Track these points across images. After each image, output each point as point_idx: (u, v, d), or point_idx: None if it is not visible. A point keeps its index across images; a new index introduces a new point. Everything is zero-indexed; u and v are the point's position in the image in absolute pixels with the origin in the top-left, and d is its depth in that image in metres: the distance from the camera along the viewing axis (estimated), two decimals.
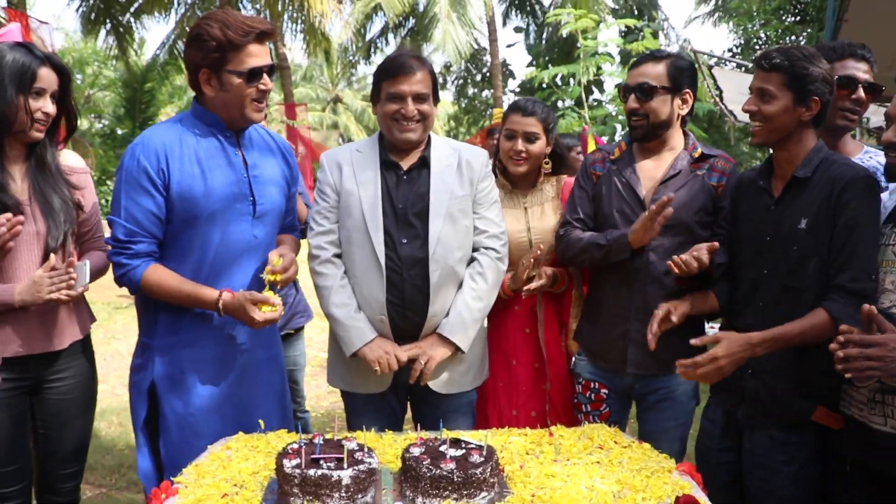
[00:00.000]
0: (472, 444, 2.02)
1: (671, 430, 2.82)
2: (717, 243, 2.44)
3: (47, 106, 2.50)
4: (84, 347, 2.74)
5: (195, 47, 2.48)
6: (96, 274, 2.66)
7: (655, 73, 2.71)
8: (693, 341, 2.32)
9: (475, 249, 2.77)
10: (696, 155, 2.76)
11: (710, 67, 7.61)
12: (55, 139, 2.64)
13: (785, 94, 2.31)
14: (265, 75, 2.51)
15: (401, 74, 2.66)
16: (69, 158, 2.71)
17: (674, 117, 2.75)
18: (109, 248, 2.51)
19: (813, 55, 2.31)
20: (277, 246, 2.71)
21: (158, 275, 2.46)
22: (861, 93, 2.60)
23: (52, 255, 2.45)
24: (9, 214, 2.23)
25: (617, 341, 2.76)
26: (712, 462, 2.56)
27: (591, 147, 7.78)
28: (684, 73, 2.74)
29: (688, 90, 2.75)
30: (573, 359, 2.95)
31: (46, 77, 2.49)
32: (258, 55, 2.48)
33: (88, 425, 2.79)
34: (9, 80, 2.42)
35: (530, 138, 2.98)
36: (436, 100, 2.77)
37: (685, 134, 2.84)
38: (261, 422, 2.40)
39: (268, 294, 2.46)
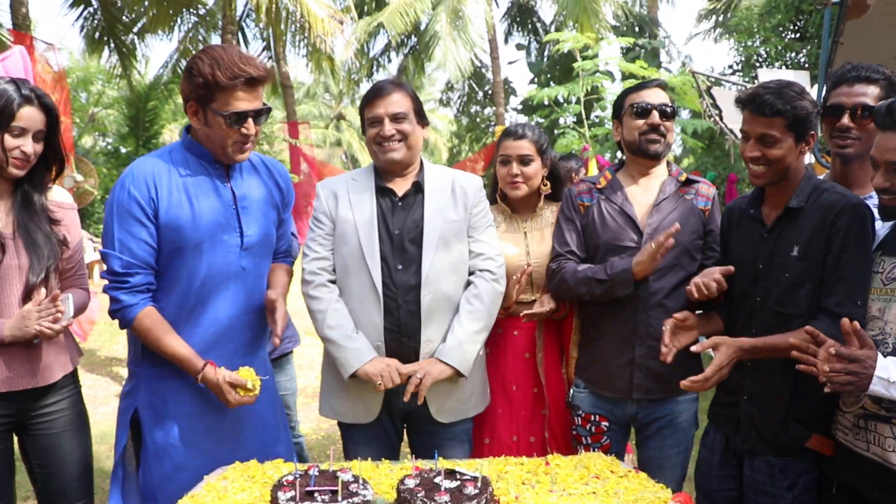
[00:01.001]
0: (466, 475, 2.02)
1: (674, 457, 2.82)
2: (731, 267, 2.46)
3: (27, 145, 2.47)
4: (71, 381, 2.71)
5: (186, 79, 2.48)
6: (78, 310, 2.62)
7: (668, 98, 2.86)
8: (694, 348, 2.37)
9: (471, 273, 2.78)
10: (682, 179, 2.85)
11: (709, 88, 7.64)
12: (44, 181, 2.62)
13: (788, 137, 2.34)
14: (250, 120, 2.47)
15: (376, 98, 2.72)
16: (57, 194, 2.70)
17: (672, 142, 2.87)
18: (107, 281, 2.48)
19: (802, 91, 2.34)
20: (270, 281, 2.71)
21: (152, 321, 2.44)
22: (846, 119, 2.53)
23: (43, 290, 2.44)
24: None
25: (623, 368, 2.75)
26: (713, 489, 2.57)
27: (592, 167, 7.79)
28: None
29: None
30: (571, 391, 2.93)
31: (27, 116, 2.46)
32: (245, 100, 2.44)
33: (87, 457, 2.75)
34: None
35: (524, 161, 3.00)
36: (422, 121, 2.80)
37: (667, 163, 2.93)
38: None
39: (246, 378, 2.45)
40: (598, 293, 2.71)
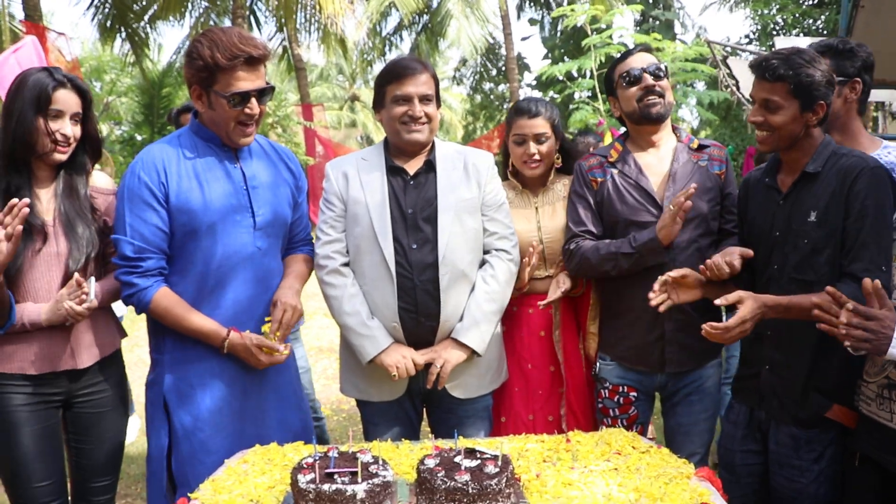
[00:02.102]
0: (487, 454, 2.00)
1: (702, 422, 2.82)
2: (751, 251, 2.42)
3: (65, 127, 2.52)
4: (114, 362, 2.77)
5: (187, 63, 2.50)
6: (115, 295, 2.66)
7: (655, 59, 2.78)
8: (717, 301, 2.31)
9: (486, 252, 2.76)
10: (694, 146, 2.80)
11: (724, 58, 7.52)
12: (85, 165, 2.67)
13: (791, 103, 2.29)
14: (253, 99, 2.48)
15: (407, 76, 2.66)
16: (98, 180, 2.74)
17: (672, 103, 2.82)
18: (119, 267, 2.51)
19: (813, 58, 2.28)
20: (286, 269, 2.72)
21: (168, 301, 2.48)
22: None
23: (76, 275, 2.47)
24: (14, 200, 2.21)
25: (653, 344, 2.73)
26: (736, 465, 2.55)
27: (608, 140, 7.70)
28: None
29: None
30: (597, 364, 2.89)
31: (64, 99, 2.52)
32: (247, 79, 2.46)
33: (121, 438, 2.82)
34: (28, 104, 2.46)
35: (540, 139, 2.95)
36: (438, 103, 2.77)
37: (674, 128, 2.88)
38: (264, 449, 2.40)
39: (273, 342, 2.50)
40: (625, 267, 2.67)
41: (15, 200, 2.16)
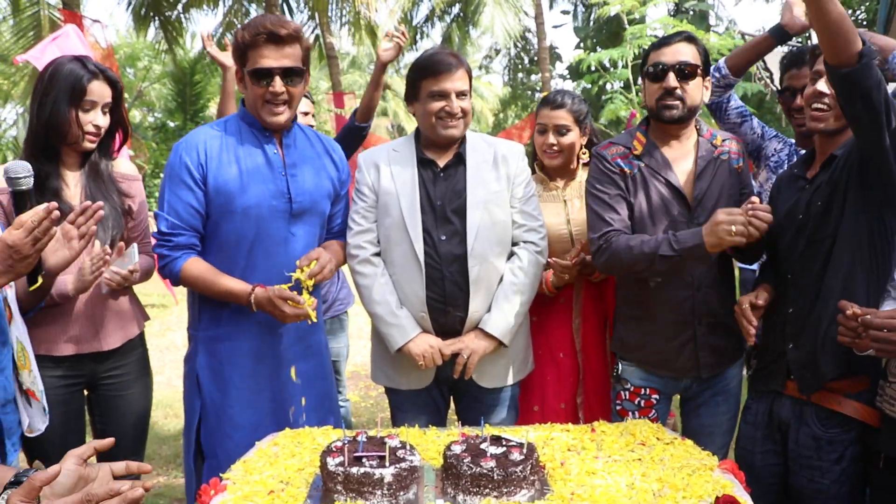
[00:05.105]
0: (512, 441, 2.03)
1: (725, 423, 2.78)
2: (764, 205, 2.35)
3: (98, 119, 2.60)
4: (138, 344, 2.85)
5: (232, 47, 2.61)
6: (144, 275, 2.76)
7: (692, 53, 2.61)
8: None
9: (514, 244, 2.78)
10: (717, 142, 2.70)
11: None
12: (110, 150, 2.75)
13: None
14: (277, 78, 2.52)
15: (443, 72, 2.67)
16: (122, 166, 2.82)
17: (701, 105, 2.68)
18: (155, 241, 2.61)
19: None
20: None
21: (197, 267, 2.56)
22: (799, 99, 2.86)
23: (97, 243, 2.55)
24: (87, 203, 2.17)
25: (684, 347, 2.64)
26: (756, 465, 2.50)
27: None
28: (708, 58, 2.69)
29: (709, 77, 2.72)
30: (619, 365, 2.79)
31: (97, 90, 2.59)
32: (271, 57, 2.52)
33: (145, 420, 2.90)
34: (62, 95, 2.53)
35: (561, 131, 2.99)
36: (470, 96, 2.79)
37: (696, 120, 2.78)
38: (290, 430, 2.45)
39: (296, 294, 2.53)
40: (660, 269, 2.49)
41: (88, 203, 2.16)
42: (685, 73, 2.58)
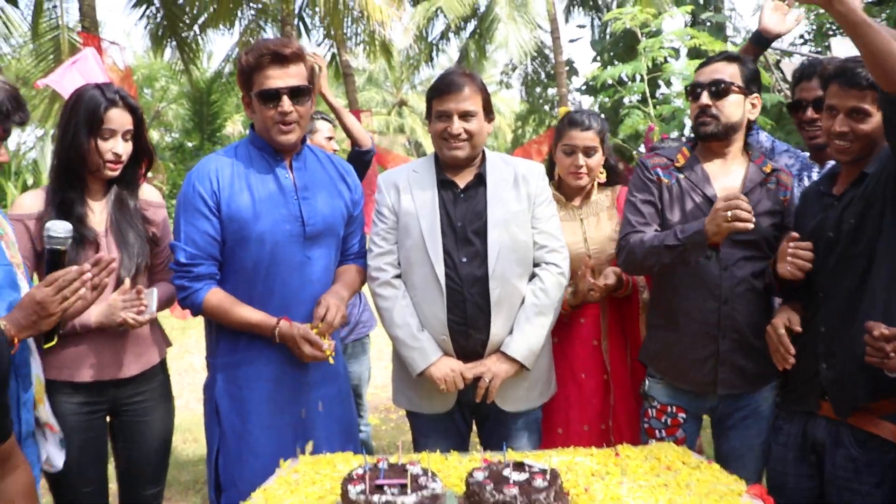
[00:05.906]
0: (535, 467, 2.00)
1: (757, 448, 2.70)
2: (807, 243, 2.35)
3: (117, 147, 2.60)
4: (160, 370, 2.83)
5: (237, 73, 2.61)
6: (167, 302, 2.76)
7: (729, 71, 2.66)
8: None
9: (536, 265, 2.75)
10: (767, 170, 2.70)
11: (777, 61, 7.37)
12: (136, 178, 2.74)
13: (876, 111, 2.23)
14: (285, 98, 2.52)
15: (447, 93, 2.68)
16: (147, 192, 2.82)
17: (743, 121, 2.70)
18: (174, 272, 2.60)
19: None
20: (336, 278, 2.75)
21: (219, 298, 2.55)
22: (810, 112, 2.95)
23: (128, 281, 2.55)
24: (102, 255, 2.23)
25: (705, 361, 2.63)
26: (788, 487, 2.46)
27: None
28: (755, 76, 2.70)
29: (757, 95, 2.71)
30: (646, 382, 2.81)
31: (116, 118, 2.59)
32: (277, 77, 2.52)
33: (167, 446, 2.88)
34: (82, 123, 2.54)
35: (589, 153, 2.98)
36: (489, 116, 2.76)
37: (747, 144, 2.78)
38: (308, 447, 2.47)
39: (319, 338, 2.53)
40: (666, 261, 2.56)
41: (104, 255, 2.19)
42: (718, 91, 2.64)
